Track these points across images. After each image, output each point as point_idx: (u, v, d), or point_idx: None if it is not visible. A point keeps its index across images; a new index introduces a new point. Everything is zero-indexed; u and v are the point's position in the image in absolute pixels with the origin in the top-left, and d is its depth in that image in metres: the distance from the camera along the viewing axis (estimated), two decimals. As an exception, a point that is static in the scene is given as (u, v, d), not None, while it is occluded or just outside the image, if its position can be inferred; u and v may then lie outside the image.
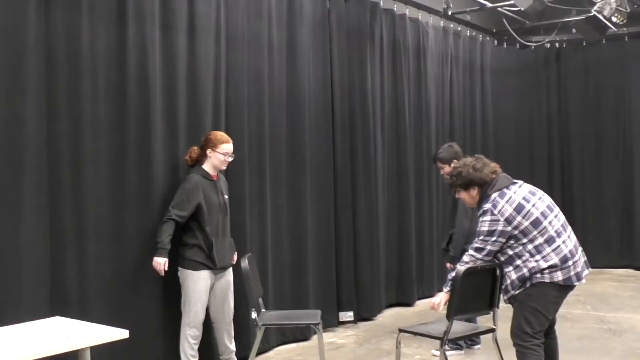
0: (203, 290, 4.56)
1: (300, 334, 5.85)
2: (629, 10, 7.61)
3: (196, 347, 4.62)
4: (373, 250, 6.81)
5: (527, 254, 3.78)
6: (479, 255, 3.89)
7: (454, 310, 3.85)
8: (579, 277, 3.81)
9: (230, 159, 4.73)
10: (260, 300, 4.73)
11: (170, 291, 4.72)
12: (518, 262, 3.80)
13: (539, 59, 9.84)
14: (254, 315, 4.51)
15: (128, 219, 4.52)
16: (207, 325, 4.74)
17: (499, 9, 8.27)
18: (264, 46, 5.67)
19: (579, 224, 9.61)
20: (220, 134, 4.74)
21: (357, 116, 6.73)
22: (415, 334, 4.21)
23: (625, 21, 7.69)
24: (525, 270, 3.77)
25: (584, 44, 9.52)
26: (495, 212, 3.82)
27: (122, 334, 3.16)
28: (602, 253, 9.44)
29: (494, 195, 3.88)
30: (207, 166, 4.68)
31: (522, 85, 9.82)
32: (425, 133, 7.84)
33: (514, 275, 3.81)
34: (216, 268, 4.59)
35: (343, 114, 6.59)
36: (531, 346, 3.76)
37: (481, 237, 3.87)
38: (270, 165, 5.69)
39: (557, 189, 9.78)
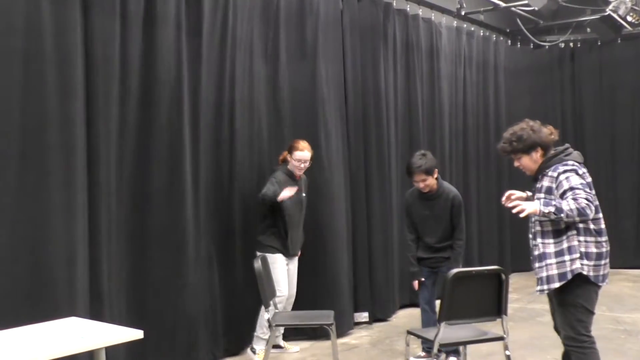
0: (281, 270, 5.14)
1: (314, 333, 5.84)
2: (644, 9, 7.56)
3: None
4: (387, 251, 6.80)
5: (575, 230, 3.62)
6: (589, 213, 3.51)
7: (445, 314, 3.72)
8: (604, 278, 3.70)
9: (304, 165, 5.30)
10: (272, 300, 4.73)
11: (198, 290, 4.85)
12: (562, 236, 3.62)
13: (553, 58, 9.79)
14: (267, 315, 4.52)
15: (155, 218, 4.63)
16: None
17: (513, 8, 8.23)
18: (278, 47, 5.69)
19: (594, 225, 9.58)
20: (300, 143, 5.28)
21: (371, 116, 6.72)
22: (419, 336, 4.16)
23: (640, 20, 7.64)
24: (565, 245, 3.60)
25: (599, 43, 9.46)
26: (580, 172, 3.68)
27: (137, 334, 3.17)
28: (618, 253, 9.30)
29: (572, 161, 3.72)
30: (290, 167, 5.30)
31: (536, 85, 9.76)
32: (439, 133, 7.82)
33: (551, 249, 3.62)
34: (289, 255, 5.26)
35: (357, 114, 6.58)
36: (590, 345, 3.67)
37: (581, 190, 3.54)
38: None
39: (572, 189, 9.72)
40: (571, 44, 9.68)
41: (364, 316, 6.44)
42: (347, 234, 6.33)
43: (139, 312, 4.49)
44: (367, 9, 6.78)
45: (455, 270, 3.76)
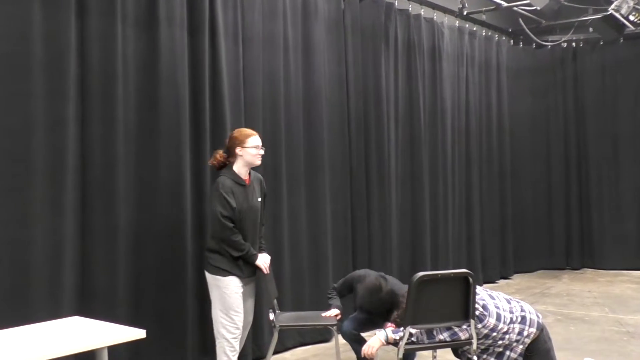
0: (235, 295, 4.30)
1: (320, 335, 5.84)
2: (646, 9, 7.55)
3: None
4: (386, 250, 6.79)
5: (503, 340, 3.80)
6: None
7: (410, 318, 3.63)
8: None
9: (262, 152, 4.45)
10: (275, 301, 4.73)
11: (197, 291, 4.80)
12: (499, 349, 3.79)
13: (556, 58, 9.77)
14: (271, 316, 4.50)
15: (157, 219, 4.61)
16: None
17: (515, 8, 8.23)
18: (280, 46, 5.69)
19: (596, 225, 9.58)
20: (244, 129, 4.51)
21: (372, 116, 6.73)
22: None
23: (643, 20, 7.63)
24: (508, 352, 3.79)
25: (601, 43, 9.44)
26: None
27: (139, 333, 3.17)
28: (620, 255, 9.37)
29: None
30: (238, 167, 4.37)
31: (538, 85, 9.75)
32: (441, 133, 7.81)
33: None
34: (245, 276, 4.39)
35: (358, 114, 6.59)
36: None
37: None
38: (286, 165, 5.71)
39: (574, 189, 9.71)
40: (573, 44, 9.67)
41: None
42: (347, 232, 6.35)
43: (139, 311, 4.48)
44: (368, 9, 6.78)
45: (420, 274, 3.67)
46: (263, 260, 4.41)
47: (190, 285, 4.79)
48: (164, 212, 4.65)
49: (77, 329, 3.24)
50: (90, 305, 4.17)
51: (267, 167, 5.48)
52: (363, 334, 4.71)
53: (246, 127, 5.23)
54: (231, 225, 4.25)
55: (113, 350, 3.26)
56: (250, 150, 4.35)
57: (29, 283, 3.90)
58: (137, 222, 4.51)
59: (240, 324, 4.31)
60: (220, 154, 4.44)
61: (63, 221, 4.06)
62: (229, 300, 4.28)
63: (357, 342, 4.68)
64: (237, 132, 4.46)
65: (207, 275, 4.39)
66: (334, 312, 4.63)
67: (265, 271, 4.41)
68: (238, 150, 4.35)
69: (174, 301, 4.70)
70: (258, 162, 4.43)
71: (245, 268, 4.36)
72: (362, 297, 4.41)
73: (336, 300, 4.74)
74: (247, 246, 4.30)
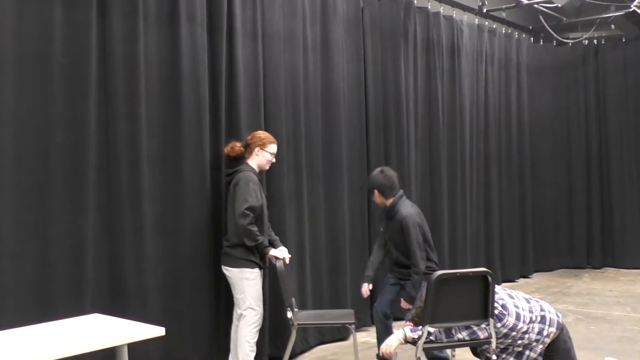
0: (260, 287, 4.50)
1: (338, 333, 5.85)
2: (670, 5, 7.46)
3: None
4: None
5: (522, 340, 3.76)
6: None
7: (429, 317, 3.61)
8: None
9: (274, 161, 4.74)
10: (293, 299, 4.74)
11: (221, 288, 4.81)
12: (519, 348, 3.75)
13: (577, 56, 9.67)
14: (289, 314, 4.52)
15: (182, 216, 4.63)
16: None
17: (535, 5, 8.17)
18: (299, 44, 5.70)
19: (617, 224, 9.48)
20: (268, 134, 4.74)
21: (391, 114, 6.72)
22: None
23: (666, 16, 7.54)
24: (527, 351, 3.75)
25: (623, 40, 9.34)
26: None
27: (159, 331, 3.20)
28: (642, 254, 9.28)
29: None
30: (252, 164, 4.62)
31: (559, 83, 9.67)
32: (459, 131, 7.78)
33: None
34: (265, 267, 4.60)
35: (377, 112, 6.59)
36: None
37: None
38: (306, 163, 5.72)
39: (596, 188, 9.62)
40: (595, 41, 9.57)
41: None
42: (364, 230, 6.36)
43: (169, 309, 4.50)
44: (387, 7, 6.77)
45: (439, 272, 3.68)
46: (283, 253, 4.54)
47: (215, 283, 4.81)
48: (187, 210, 4.66)
49: (97, 326, 3.28)
50: (115, 303, 4.19)
51: (289, 164, 5.51)
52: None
53: (267, 125, 5.28)
54: (252, 215, 4.38)
55: (139, 346, 3.30)
56: (267, 155, 4.63)
57: (53, 281, 3.94)
58: (161, 219, 4.52)
59: (261, 313, 4.48)
60: (239, 147, 4.67)
61: (86, 219, 4.09)
62: (259, 291, 4.46)
63: (385, 327, 4.78)
64: (263, 134, 4.70)
65: (232, 270, 4.45)
66: (364, 287, 4.82)
67: (287, 261, 4.52)
68: (257, 150, 4.61)
69: (199, 298, 4.71)
70: (267, 167, 4.73)
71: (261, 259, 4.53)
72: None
73: (369, 271, 4.88)
74: (262, 238, 4.44)
